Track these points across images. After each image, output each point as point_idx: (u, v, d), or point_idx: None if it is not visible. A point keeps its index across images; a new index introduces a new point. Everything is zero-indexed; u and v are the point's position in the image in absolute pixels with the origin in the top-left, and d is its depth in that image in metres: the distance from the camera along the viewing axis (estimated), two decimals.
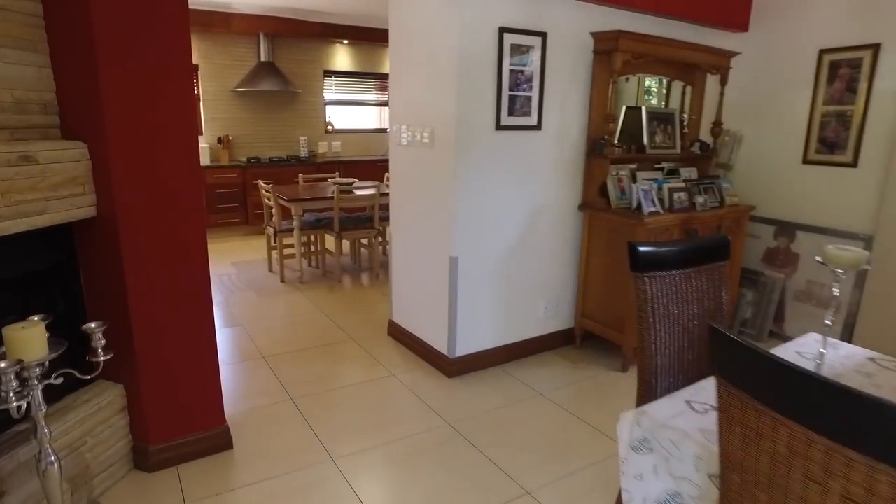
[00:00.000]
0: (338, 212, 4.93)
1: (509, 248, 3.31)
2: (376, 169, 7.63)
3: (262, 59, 7.09)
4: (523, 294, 3.45)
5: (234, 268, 5.56)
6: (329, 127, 7.93)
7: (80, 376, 1.83)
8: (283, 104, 7.50)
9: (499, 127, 3.06)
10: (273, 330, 3.99)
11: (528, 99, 3.12)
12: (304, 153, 7.60)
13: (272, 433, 2.70)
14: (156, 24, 2.07)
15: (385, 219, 5.26)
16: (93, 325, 1.86)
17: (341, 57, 7.80)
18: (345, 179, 5.55)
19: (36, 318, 1.82)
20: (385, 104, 8.38)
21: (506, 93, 3.03)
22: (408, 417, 2.86)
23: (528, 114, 3.14)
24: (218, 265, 5.61)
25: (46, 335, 1.81)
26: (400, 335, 3.74)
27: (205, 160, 6.82)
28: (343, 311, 4.36)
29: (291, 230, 4.96)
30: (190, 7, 2.18)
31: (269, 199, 5.04)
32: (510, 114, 3.07)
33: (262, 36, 7.01)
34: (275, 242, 5.06)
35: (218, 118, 7.12)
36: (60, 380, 1.79)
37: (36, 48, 1.98)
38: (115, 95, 2.02)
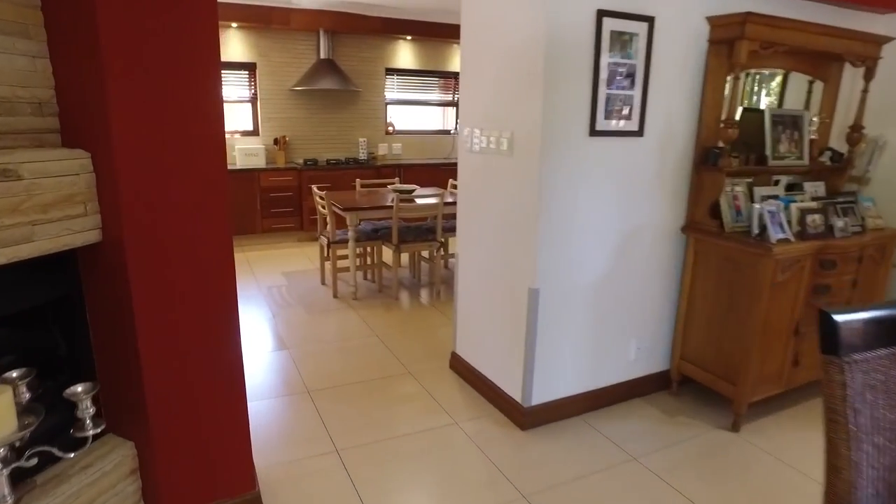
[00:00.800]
0: (397, 222, 4.48)
1: (598, 276, 2.75)
2: (439, 174, 7.17)
3: (322, 56, 6.75)
4: (612, 331, 2.89)
5: (285, 279, 5.21)
6: (390, 128, 7.53)
7: (59, 454, 1.41)
8: (343, 104, 7.15)
9: (593, 132, 2.51)
10: (322, 356, 3.57)
11: (629, 98, 2.55)
12: (363, 155, 7.22)
13: (312, 497, 2.25)
14: (175, 7, 1.63)
15: (449, 230, 4.78)
16: (79, 388, 1.44)
17: (404, 54, 7.38)
18: (405, 186, 5.10)
19: (14, 374, 1.42)
20: (449, 104, 7.92)
21: (603, 91, 2.47)
22: (473, 484, 2.36)
23: (628, 117, 2.57)
24: (268, 275, 5.28)
25: (26, 397, 1.41)
26: (464, 371, 3.24)
27: (260, 162, 6.55)
28: (400, 336, 3.91)
29: (346, 241, 4.55)
30: (248, 2, 1.73)
31: (323, 207, 4.65)
32: (607, 117, 2.51)
33: (321, 32, 6.66)
34: (328, 254, 4.66)
35: (274, 118, 6.83)
36: (34, 461, 1.38)
37: (28, 33, 1.59)
38: (125, 92, 1.61)
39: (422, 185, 6.87)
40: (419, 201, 4.72)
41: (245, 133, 6.83)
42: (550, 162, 2.42)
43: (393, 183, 5.55)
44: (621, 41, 2.46)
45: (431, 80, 7.69)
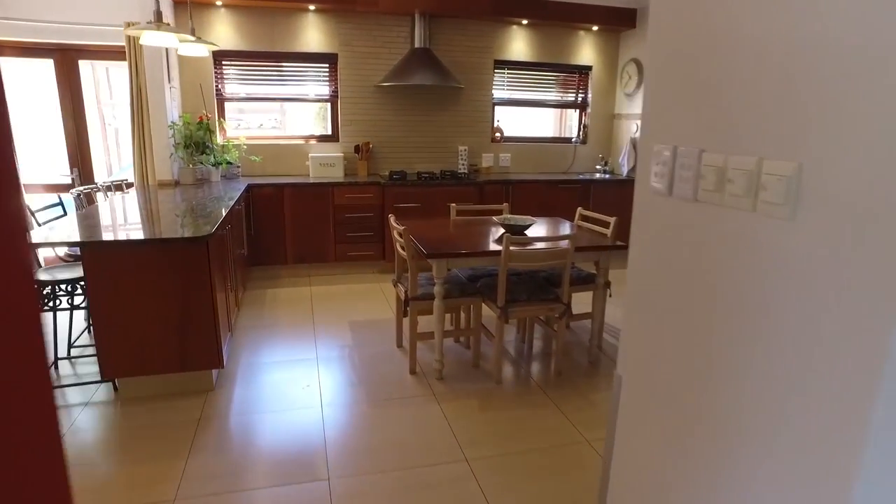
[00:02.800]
0: (505, 275, 3.02)
1: None
2: (557, 195, 5.64)
3: (417, 44, 5.43)
4: None
5: (352, 332, 3.90)
6: (497, 134, 6.08)
7: None
8: (440, 104, 5.80)
9: None
10: (377, 498, 2.18)
11: None
12: (462, 168, 5.84)
13: None
14: None
15: (580, 281, 3.26)
16: None
17: (517, 43, 5.91)
18: (517, 219, 3.62)
19: None
20: (570, 105, 6.35)
21: None
22: None
23: None
24: (330, 325, 4.00)
25: None
26: None
27: (336, 174, 5.32)
28: (504, 464, 2.44)
29: (431, 297, 3.15)
30: None
31: (402, 247, 3.27)
32: None
33: (416, 16, 5.35)
34: (406, 310, 3.27)
35: (356, 120, 5.59)
36: None
37: None
38: None
39: (537, 212, 5.38)
40: (539, 245, 3.23)
41: (321, 138, 5.65)
42: None
43: (499, 209, 4.09)
44: None
45: (550, 75, 6.16)
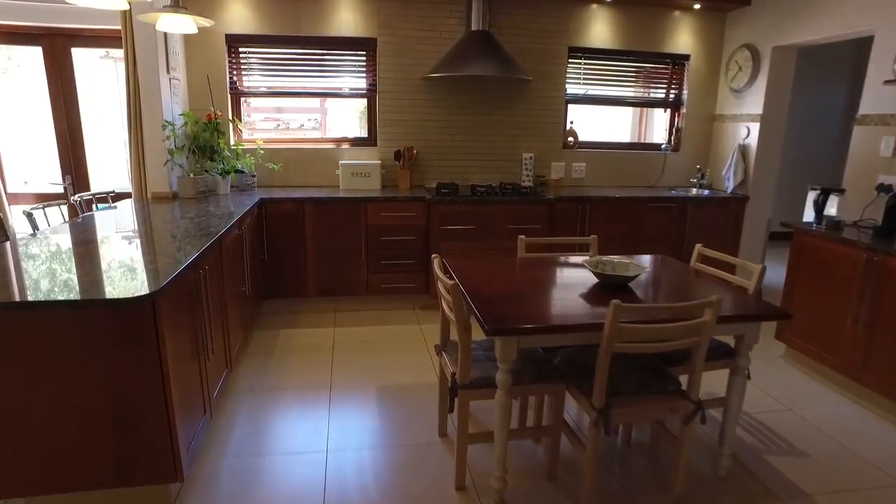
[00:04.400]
0: (608, 362, 1.90)
1: None
2: (644, 216, 4.49)
3: (474, 27, 4.37)
4: None
5: (380, 405, 2.87)
6: (570, 139, 4.95)
7: None
8: (502, 100, 4.72)
9: None
10: None
11: None
12: (526, 180, 4.74)
13: None
14: None
15: (714, 356, 2.14)
16: None
17: (598, 26, 4.77)
18: (618, 263, 2.50)
19: None
20: (658, 104, 5.15)
21: None
22: None
23: None
24: (354, 389, 2.98)
25: None
26: None
27: (373, 185, 4.33)
28: None
29: (490, 383, 2.08)
30: None
31: (449, 307, 2.19)
32: None
33: None
34: (452, 405, 2.19)
35: (398, 120, 4.58)
36: None
37: None
38: None
39: (623, 239, 4.27)
40: (656, 308, 2.09)
41: (355, 142, 4.66)
42: None
43: (584, 242, 2.98)
44: None
45: (636, 66, 4.99)
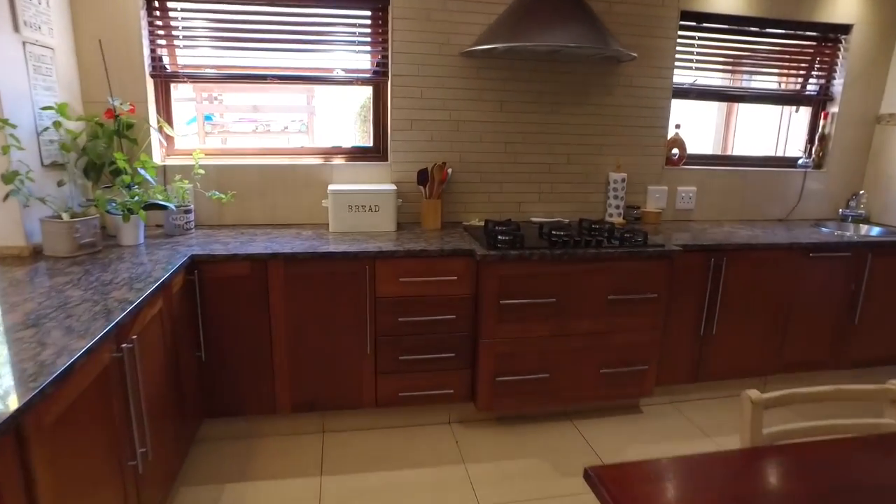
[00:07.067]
0: None
1: None
2: (806, 275, 2.89)
3: None
4: None
5: None
6: (675, 150, 3.31)
7: None
8: (582, 92, 3.07)
9: None
10: None
11: None
12: (615, 213, 3.10)
13: None
14: None
15: None
16: None
17: None
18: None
19: None
20: (795, 100, 3.54)
21: None
22: None
23: None
24: None
25: None
26: None
27: (384, 224, 2.69)
28: None
29: None
30: None
31: None
32: None
33: None
34: None
35: (423, 121, 2.91)
36: None
37: None
38: None
39: (767, 314, 2.65)
40: None
41: (355, 154, 2.99)
42: None
43: (883, 390, 1.31)
44: None
45: (769, 43, 3.36)
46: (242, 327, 2.36)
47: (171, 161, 2.76)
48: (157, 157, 2.73)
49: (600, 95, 3.08)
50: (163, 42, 2.66)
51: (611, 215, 3.14)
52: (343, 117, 3.41)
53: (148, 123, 2.63)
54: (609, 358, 2.66)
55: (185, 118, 3.38)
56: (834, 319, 3.04)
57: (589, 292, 2.55)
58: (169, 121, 2.75)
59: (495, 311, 2.47)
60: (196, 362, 2.32)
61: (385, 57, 2.84)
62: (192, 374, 2.26)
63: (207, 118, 3.91)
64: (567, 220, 3.08)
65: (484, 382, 2.55)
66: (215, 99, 3.92)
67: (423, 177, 2.84)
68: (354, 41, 2.84)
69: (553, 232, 2.61)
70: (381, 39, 2.84)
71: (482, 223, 2.96)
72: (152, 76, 2.66)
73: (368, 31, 2.83)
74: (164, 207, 2.37)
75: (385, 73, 2.86)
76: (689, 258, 2.74)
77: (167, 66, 2.70)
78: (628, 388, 2.74)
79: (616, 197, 3.11)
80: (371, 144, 3.00)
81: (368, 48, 2.86)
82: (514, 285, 2.46)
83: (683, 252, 2.68)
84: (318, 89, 3.28)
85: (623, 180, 3.10)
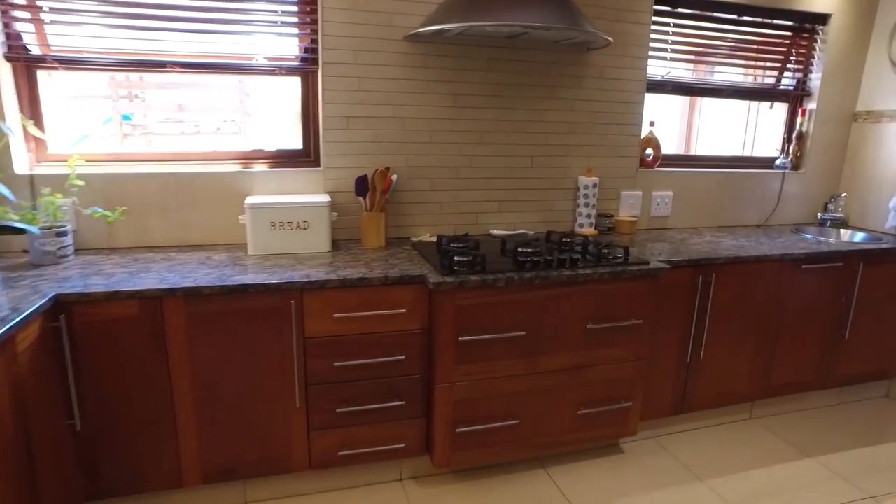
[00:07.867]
0: None
1: None
2: (798, 288, 2.63)
3: None
4: None
5: None
6: (649, 151, 2.95)
7: None
8: (547, 84, 2.66)
9: None
10: None
11: None
12: (585, 223, 2.71)
13: None
14: None
15: None
16: None
17: None
18: None
19: None
20: (770, 95, 3.26)
21: None
22: None
23: None
24: None
25: None
26: None
27: (315, 245, 2.16)
28: None
29: None
30: None
31: None
32: None
33: None
34: None
35: (361, 118, 2.43)
36: None
37: None
38: None
39: (759, 328, 2.33)
40: None
41: (277, 159, 2.48)
42: None
43: None
44: None
45: (737, 33, 3.05)
46: (132, 383, 1.83)
47: (43, 169, 2.19)
48: (23, 164, 2.15)
49: (568, 88, 2.68)
50: (22, 14, 2.08)
51: (581, 225, 2.75)
52: (281, 116, 2.87)
53: (2, 120, 2.05)
54: (588, 396, 2.27)
55: (101, 117, 2.79)
56: (824, 335, 2.75)
57: (564, 321, 2.14)
58: (37, 118, 2.18)
59: (453, 349, 2.03)
60: (68, 433, 1.78)
61: (315, 41, 2.35)
62: (60, 451, 1.71)
63: (126, 118, 3.32)
64: (532, 233, 2.67)
65: (441, 435, 2.11)
66: (136, 97, 3.32)
67: (362, 185, 2.37)
68: (276, 21, 2.33)
69: (519, 249, 2.19)
70: (309, 20, 2.35)
71: (434, 238, 2.51)
72: (8, 58, 2.08)
73: (295, 11, 2.33)
74: (20, 231, 1.81)
75: (315, 61, 2.37)
76: (674, 275, 2.38)
77: (29, 48, 2.12)
78: (610, 429, 2.35)
79: (587, 205, 2.72)
80: (300, 147, 2.50)
81: (295, 30, 2.36)
82: (474, 317, 2.02)
83: (670, 270, 2.30)
84: (254, 85, 2.73)
85: (595, 185, 2.71)
